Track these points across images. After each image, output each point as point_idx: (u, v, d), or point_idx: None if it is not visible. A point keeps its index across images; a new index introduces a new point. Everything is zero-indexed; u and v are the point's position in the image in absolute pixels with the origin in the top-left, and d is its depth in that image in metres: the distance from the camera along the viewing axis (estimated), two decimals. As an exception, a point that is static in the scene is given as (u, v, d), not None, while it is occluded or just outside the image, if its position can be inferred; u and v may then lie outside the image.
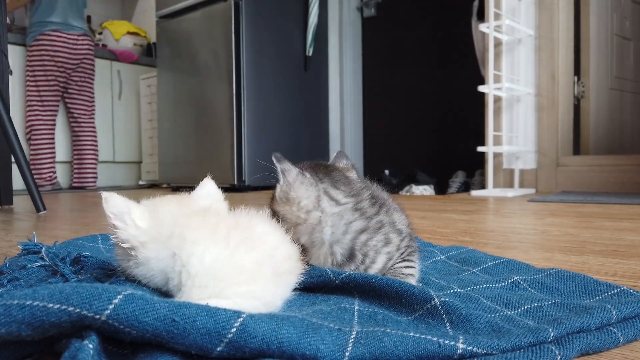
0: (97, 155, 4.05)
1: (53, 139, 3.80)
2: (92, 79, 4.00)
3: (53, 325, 0.41)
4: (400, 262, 0.70)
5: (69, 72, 3.79)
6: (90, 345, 0.40)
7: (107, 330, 0.42)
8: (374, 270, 0.68)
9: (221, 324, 0.42)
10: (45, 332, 0.42)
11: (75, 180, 4.00)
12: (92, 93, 4.02)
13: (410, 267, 0.70)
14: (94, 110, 4.05)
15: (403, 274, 0.69)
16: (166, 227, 0.53)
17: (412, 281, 0.68)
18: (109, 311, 0.41)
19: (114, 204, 0.53)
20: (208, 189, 0.62)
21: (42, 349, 0.45)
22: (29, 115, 3.70)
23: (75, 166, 3.99)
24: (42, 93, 3.70)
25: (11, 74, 2.22)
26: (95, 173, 4.04)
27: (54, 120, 3.83)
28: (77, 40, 3.76)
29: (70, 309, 0.41)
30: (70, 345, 0.41)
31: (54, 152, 3.80)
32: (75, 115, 3.94)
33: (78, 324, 0.42)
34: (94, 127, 4.04)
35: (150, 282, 0.54)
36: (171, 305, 0.43)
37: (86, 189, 3.97)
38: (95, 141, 4.04)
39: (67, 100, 3.91)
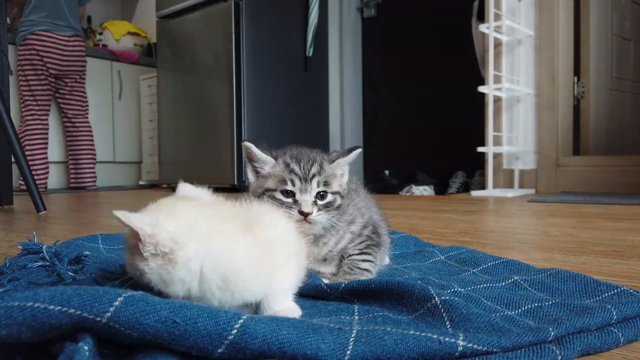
0: (94, 155, 4.00)
1: (47, 139, 3.74)
2: (84, 79, 3.93)
3: (53, 327, 0.41)
4: (357, 254, 0.71)
5: (59, 72, 3.72)
6: (86, 347, 0.40)
7: (108, 332, 0.42)
8: (341, 245, 0.71)
9: (222, 326, 0.42)
10: (45, 334, 0.42)
11: (72, 180, 3.96)
12: (85, 93, 3.95)
13: (368, 260, 0.71)
14: (87, 110, 3.98)
15: (359, 268, 0.70)
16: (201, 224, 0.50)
17: (369, 276, 0.70)
18: (109, 314, 0.41)
19: (138, 217, 0.48)
20: (188, 189, 0.60)
21: (35, 350, 0.45)
22: (25, 115, 3.63)
23: (72, 167, 3.94)
24: (35, 93, 3.63)
25: (11, 74, 2.22)
26: (94, 173, 4.00)
27: (47, 119, 3.76)
28: (67, 41, 3.69)
29: (71, 311, 0.41)
30: (65, 348, 0.41)
31: (47, 152, 3.74)
32: (70, 115, 3.88)
33: (78, 326, 0.42)
34: (89, 127, 3.97)
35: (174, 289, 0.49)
36: (172, 307, 0.43)
37: (86, 189, 3.94)
38: (92, 141, 3.98)
39: (59, 101, 3.85)
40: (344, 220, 0.71)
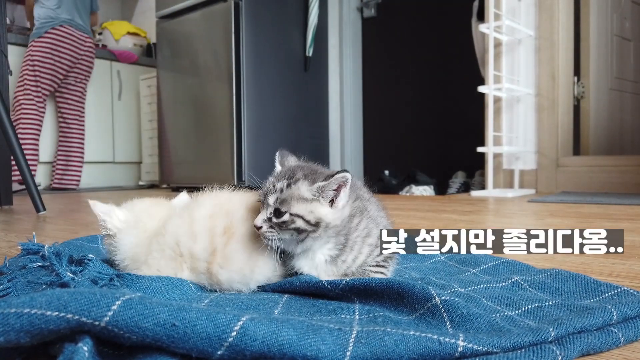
0: (83, 157, 3.94)
1: (39, 137, 3.66)
2: (87, 81, 3.94)
3: (52, 332, 0.41)
4: (374, 265, 0.71)
5: (68, 69, 3.73)
6: (85, 348, 0.40)
7: (107, 335, 0.42)
8: (359, 261, 0.70)
9: (221, 328, 0.42)
10: (44, 338, 0.42)
11: (56, 181, 3.84)
12: (85, 95, 3.93)
13: (381, 272, 0.72)
14: (84, 111, 3.95)
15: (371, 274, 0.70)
16: (134, 219, 0.74)
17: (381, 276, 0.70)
18: (108, 317, 0.41)
19: (101, 206, 0.75)
20: (183, 198, 0.84)
21: (34, 350, 0.45)
22: (22, 107, 3.53)
23: (59, 167, 3.84)
24: (40, 85, 3.59)
25: (11, 74, 2.22)
26: (80, 175, 3.93)
27: (44, 110, 3.69)
28: (84, 40, 3.76)
29: (69, 316, 0.41)
30: (64, 349, 0.41)
31: (38, 150, 3.66)
32: (65, 115, 3.84)
33: (77, 330, 0.42)
34: (83, 129, 3.93)
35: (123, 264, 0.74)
36: (171, 310, 0.42)
37: (67, 190, 3.83)
38: (83, 143, 3.93)
39: (58, 99, 3.82)
40: (360, 236, 0.70)
